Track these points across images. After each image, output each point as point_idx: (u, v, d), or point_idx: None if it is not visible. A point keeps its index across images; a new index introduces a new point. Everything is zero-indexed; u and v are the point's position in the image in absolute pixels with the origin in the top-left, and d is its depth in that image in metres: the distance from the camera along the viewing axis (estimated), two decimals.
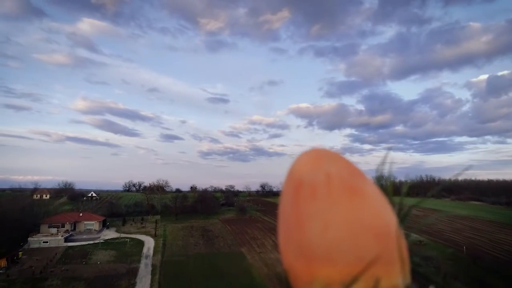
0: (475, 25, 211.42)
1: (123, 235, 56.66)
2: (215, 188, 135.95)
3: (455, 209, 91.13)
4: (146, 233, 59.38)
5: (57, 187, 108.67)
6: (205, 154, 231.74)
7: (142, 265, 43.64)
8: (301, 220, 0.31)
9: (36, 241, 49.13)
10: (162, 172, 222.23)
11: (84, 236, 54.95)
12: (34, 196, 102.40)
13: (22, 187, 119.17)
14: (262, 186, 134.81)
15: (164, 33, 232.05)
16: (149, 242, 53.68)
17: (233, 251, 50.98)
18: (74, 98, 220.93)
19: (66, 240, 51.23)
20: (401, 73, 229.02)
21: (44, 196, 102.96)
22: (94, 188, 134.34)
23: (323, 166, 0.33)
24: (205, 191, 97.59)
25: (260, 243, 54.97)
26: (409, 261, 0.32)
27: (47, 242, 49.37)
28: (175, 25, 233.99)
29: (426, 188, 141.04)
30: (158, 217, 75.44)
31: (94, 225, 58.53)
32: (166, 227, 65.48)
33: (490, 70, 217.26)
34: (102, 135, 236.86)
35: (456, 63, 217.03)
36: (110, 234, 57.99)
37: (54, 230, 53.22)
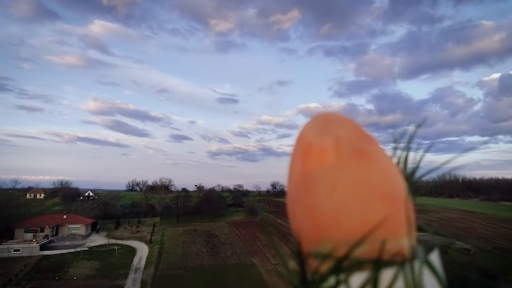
0: (487, 23, 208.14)
1: (112, 241, 47.96)
2: (222, 187, 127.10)
3: (489, 211, 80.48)
4: (141, 239, 50.58)
5: (53, 186, 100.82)
6: (214, 154, 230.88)
7: (129, 282, 34.68)
8: (309, 183, 0.31)
9: (5, 249, 40.73)
10: (171, 172, 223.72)
11: (66, 243, 46.44)
12: (28, 196, 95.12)
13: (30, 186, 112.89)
14: (273, 186, 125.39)
15: (174, 34, 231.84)
16: (142, 250, 44.83)
17: (242, 263, 41.70)
18: (85, 99, 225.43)
19: (43, 247, 42.67)
20: (412, 72, 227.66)
21: (38, 196, 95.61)
22: (102, 188, 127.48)
23: (332, 130, 0.33)
24: (211, 190, 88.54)
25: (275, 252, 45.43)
26: (415, 225, 0.32)
27: (18, 250, 40.95)
28: (185, 26, 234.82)
29: (451, 188, 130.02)
30: (157, 219, 66.72)
31: (80, 229, 50.00)
32: (165, 231, 56.60)
33: (502, 68, 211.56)
34: (113, 136, 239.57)
35: (468, 62, 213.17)
36: (98, 239, 49.36)
37: (30, 236, 44.76)
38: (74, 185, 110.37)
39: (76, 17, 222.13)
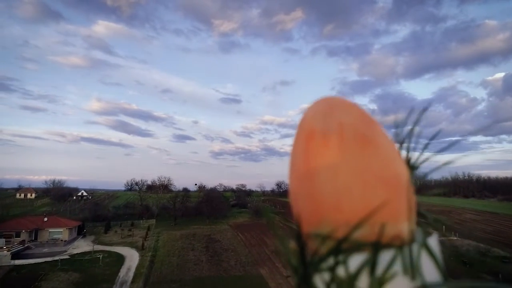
0: (491, 23, 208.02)
1: (99, 247, 41.79)
2: (225, 187, 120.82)
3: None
4: (132, 244, 44.40)
5: (44, 185, 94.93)
6: (217, 154, 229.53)
7: None
8: (311, 167, 0.31)
9: None
10: (173, 172, 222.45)
11: (45, 250, 40.33)
12: (18, 196, 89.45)
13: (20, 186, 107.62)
14: (278, 185, 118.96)
15: (178, 35, 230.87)
16: (132, 259, 38.61)
17: (248, 274, 35.38)
18: (88, 99, 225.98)
19: (15, 256, 36.52)
20: (415, 72, 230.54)
21: (29, 196, 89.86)
22: (105, 188, 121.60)
23: (336, 115, 0.33)
24: (212, 190, 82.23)
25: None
26: (416, 211, 0.32)
27: None
28: (188, 26, 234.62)
29: (466, 187, 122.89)
30: (153, 221, 60.53)
31: (63, 233, 43.82)
32: (160, 235, 50.38)
33: (506, 68, 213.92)
34: (116, 136, 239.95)
35: (472, 62, 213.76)
36: (82, 246, 43.23)
37: (2, 242, 38.64)
38: (74, 185, 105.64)
39: (80, 18, 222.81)
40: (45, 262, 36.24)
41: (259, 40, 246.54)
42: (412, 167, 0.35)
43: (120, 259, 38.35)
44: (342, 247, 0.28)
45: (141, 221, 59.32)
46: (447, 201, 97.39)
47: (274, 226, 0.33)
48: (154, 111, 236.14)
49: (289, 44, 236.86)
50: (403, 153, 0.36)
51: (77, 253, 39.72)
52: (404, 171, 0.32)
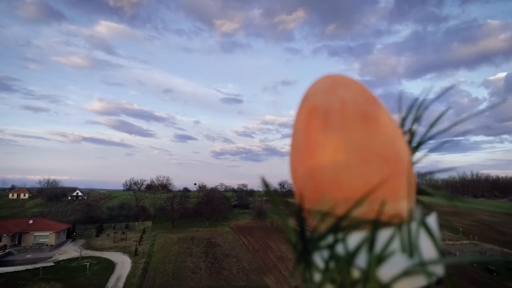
0: (493, 22, 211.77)
1: (88, 252, 38.13)
2: (226, 187, 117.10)
3: None
4: (125, 249, 40.71)
5: (38, 185, 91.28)
6: (218, 154, 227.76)
7: None
8: (312, 144, 0.31)
9: None
10: (174, 172, 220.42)
11: (28, 256, 36.67)
12: (10, 196, 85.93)
13: (13, 185, 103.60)
14: (281, 185, 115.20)
15: (179, 35, 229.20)
16: (123, 266, 34.91)
17: (252, 284, 31.66)
18: (90, 99, 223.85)
19: None
20: (417, 72, 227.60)
21: (22, 196, 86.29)
22: (106, 188, 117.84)
23: (338, 92, 0.33)
24: (213, 190, 78.49)
25: (293, 267, 35.27)
26: (416, 189, 0.32)
27: None
28: (190, 26, 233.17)
29: (474, 187, 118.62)
30: (149, 223, 56.83)
31: (49, 237, 40.14)
32: (156, 238, 46.68)
33: (508, 68, 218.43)
34: (117, 136, 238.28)
35: (473, 61, 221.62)
36: (70, 251, 39.54)
37: None
38: (75, 185, 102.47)
39: (82, 18, 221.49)
40: (26, 270, 32.60)
41: (260, 40, 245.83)
42: (414, 147, 0.35)
43: (110, 267, 34.65)
44: (342, 225, 0.28)
45: (137, 223, 55.66)
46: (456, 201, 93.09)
47: (275, 202, 0.32)
48: (156, 111, 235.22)
49: (290, 44, 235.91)
50: (406, 135, 0.36)
51: (63, 260, 36.03)
52: (405, 150, 0.32)
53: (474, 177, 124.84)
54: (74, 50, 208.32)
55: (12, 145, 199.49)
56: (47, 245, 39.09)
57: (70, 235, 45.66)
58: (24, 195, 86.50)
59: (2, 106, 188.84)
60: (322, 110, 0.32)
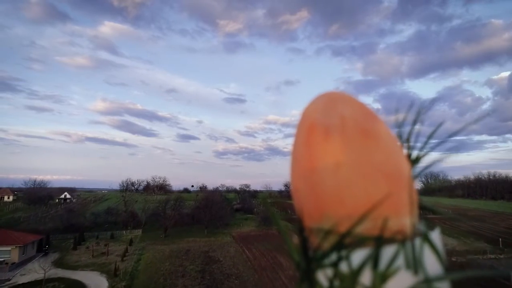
0: (497, 22, 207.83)
1: (57, 272, 30.87)
2: (227, 187, 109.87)
3: None
4: (103, 267, 33.46)
5: (24, 186, 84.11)
6: (220, 154, 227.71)
7: None
8: (313, 161, 0.31)
9: None
10: (177, 171, 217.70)
11: None
12: None
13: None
14: (286, 185, 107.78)
15: (183, 35, 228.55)
16: None
17: None
18: (94, 99, 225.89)
19: None
20: (420, 72, 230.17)
21: (6, 198, 79.16)
22: (107, 188, 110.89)
23: (338, 109, 0.33)
24: (212, 192, 71.18)
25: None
26: (418, 204, 0.32)
27: None
28: (194, 27, 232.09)
29: (493, 188, 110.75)
30: (138, 232, 49.58)
31: (12, 252, 32.95)
32: (144, 252, 39.40)
33: None
34: (120, 136, 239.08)
35: (477, 61, 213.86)
36: (37, 270, 32.19)
37: None
38: (75, 185, 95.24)
39: (86, 19, 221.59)
40: None
41: (263, 40, 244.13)
42: (413, 161, 0.35)
43: None
44: (345, 242, 0.27)
45: (124, 232, 48.42)
46: (474, 203, 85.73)
47: (277, 219, 0.32)
48: (159, 111, 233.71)
49: (293, 44, 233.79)
50: (405, 148, 0.36)
51: (23, 283, 28.89)
52: (406, 165, 0.32)
53: (491, 177, 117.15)
54: (78, 50, 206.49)
55: (15, 145, 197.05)
56: (6, 263, 31.88)
57: (43, 248, 38.49)
58: (8, 197, 79.33)
59: (6, 106, 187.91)
60: (322, 127, 0.32)
